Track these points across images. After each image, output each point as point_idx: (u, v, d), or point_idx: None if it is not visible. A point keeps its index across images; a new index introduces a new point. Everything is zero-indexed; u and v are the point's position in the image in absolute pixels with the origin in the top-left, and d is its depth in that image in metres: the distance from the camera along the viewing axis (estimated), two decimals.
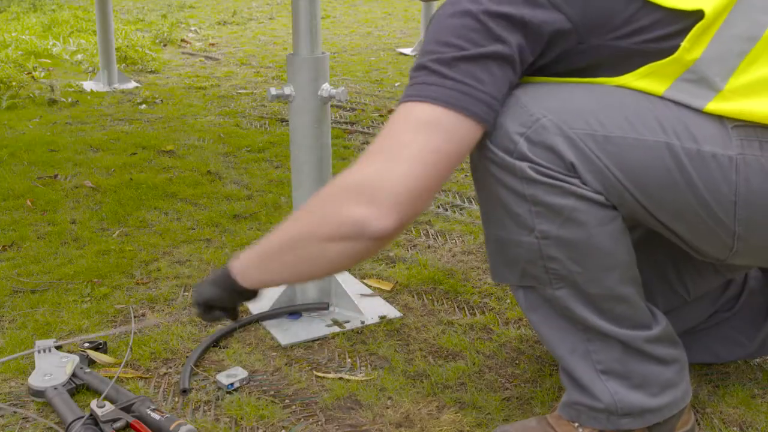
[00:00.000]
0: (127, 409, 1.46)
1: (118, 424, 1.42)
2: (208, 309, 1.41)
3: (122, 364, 1.65)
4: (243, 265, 1.32)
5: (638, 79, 1.18)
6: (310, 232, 1.18)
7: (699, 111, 1.17)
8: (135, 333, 1.78)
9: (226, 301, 1.39)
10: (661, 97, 1.18)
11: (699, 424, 1.47)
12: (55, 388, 1.51)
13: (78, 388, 1.56)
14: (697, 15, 1.14)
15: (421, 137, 1.12)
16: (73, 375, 1.57)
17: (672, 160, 1.15)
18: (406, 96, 1.16)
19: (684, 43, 1.15)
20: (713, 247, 1.23)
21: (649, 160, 1.15)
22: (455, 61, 1.13)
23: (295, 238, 1.21)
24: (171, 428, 1.39)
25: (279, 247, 1.24)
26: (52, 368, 1.58)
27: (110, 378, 1.57)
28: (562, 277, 1.23)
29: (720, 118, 1.17)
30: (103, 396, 1.48)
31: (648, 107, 1.17)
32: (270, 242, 1.26)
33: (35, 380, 1.54)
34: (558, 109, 1.17)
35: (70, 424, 1.41)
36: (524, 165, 1.17)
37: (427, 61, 1.15)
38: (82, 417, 1.42)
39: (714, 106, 1.17)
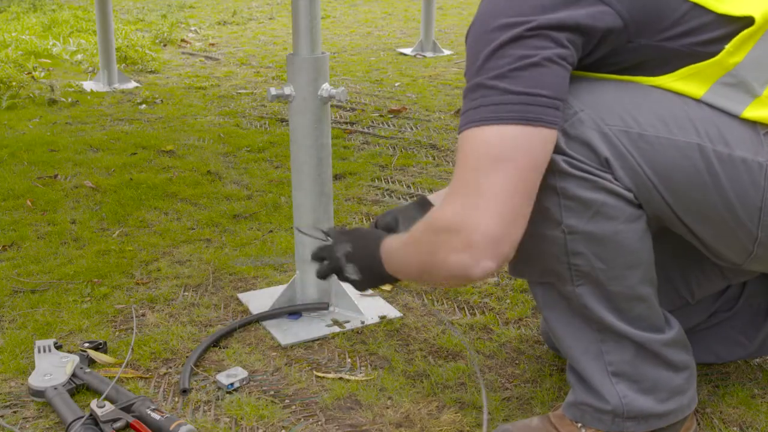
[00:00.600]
0: (127, 409, 1.46)
1: (118, 424, 1.42)
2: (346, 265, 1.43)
3: (123, 365, 1.65)
4: (386, 255, 1.34)
5: (678, 80, 1.18)
6: (430, 270, 1.21)
7: (734, 116, 1.18)
8: (135, 333, 1.78)
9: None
10: (699, 101, 1.18)
11: (699, 424, 1.47)
12: (55, 388, 1.51)
13: (78, 388, 1.56)
14: (746, 21, 1.14)
15: (501, 166, 1.10)
16: (73, 375, 1.57)
17: (702, 162, 1.16)
18: (472, 120, 1.12)
19: (728, 47, 1.15)
20: (733, 251, 1.24)
21: (680, 159, 1.16)
22: (513, 72, 1.10)
23: (419, 266, 1.25)
24: (171, 428, 1.39)
25: (414, 272, 1.30)
26: (52, 368, 1.58)
27: (110, 378, 1.57)
28: (585, 273, 1.22)
29: (754, 125, 1.18)
30: (103, 396, 1.48)
31: (683, 108, 1.17)
32: (407, 264, 1.30)
33: (35, 380, 1.54)
34: (595, 104, 1.17)
35: (70, 424, 1.41)
36: (559, 158, 1.17)
37: (485, 79, 1.12)
38: (82, 417, 1.42)
39: (751, 112, 1.17)
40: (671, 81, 1.19)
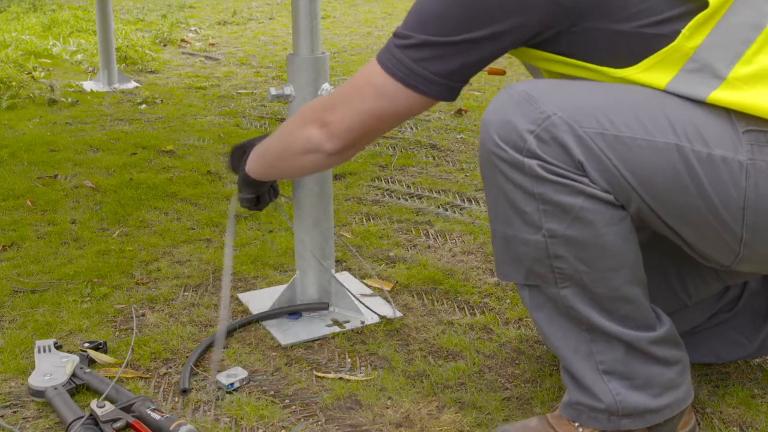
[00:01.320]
0: (127, 409, 1.46)
1: (118, 424, 1.42)
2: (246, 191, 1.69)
3: (123, 365, 1.65)
4: (250, 164, 1.63)
5: (641, 72, 1.18)
6: (286, 148, 1.48)
7: (708, 110, 1.16)
8: (136, 333, 1.78)
9: (251, 190, 1.69)
10: (665, 91, 1.17)
11: (699, 424, 1.47)
12: (55, 388, 1.51)
13: (78, 388, 1.56)
14: (700, 3, 1.14)
15: (372, 98, 1.31)
16: (73, 375, 1.57)
17: (682, 163, 1.14)
18: (380, 59, 1.29)
19: (684, 31, 1.14)
20: (719, 252, 1.23)
21: (659, 161, 1.14)
22: (426, 46, 1.24)
23: (278, 152, 1.53)
24: (171, 428, 1.39)
25: (269, 158, 1.57)
26: (52, 368, 1.58)
27: (110, 378, 1.57)
28: (568, 276, 1.23)
29: (731, 121, 1.16)
30: (103, 396, 1.48)
31: (658, 106, 1.16)
32: (264, 150, 1.59)
33: (35, 380, 1.54)
34: (568, 107, 1.17)
35: (70, 424, 1.41)
36: (533, 162, 1.17)
37: (411, 36, 1.26)
38: (82, 417, 1.42)
39: (720, 94, 1.15)
40: (636, 73, 1.18)
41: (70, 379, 1.56)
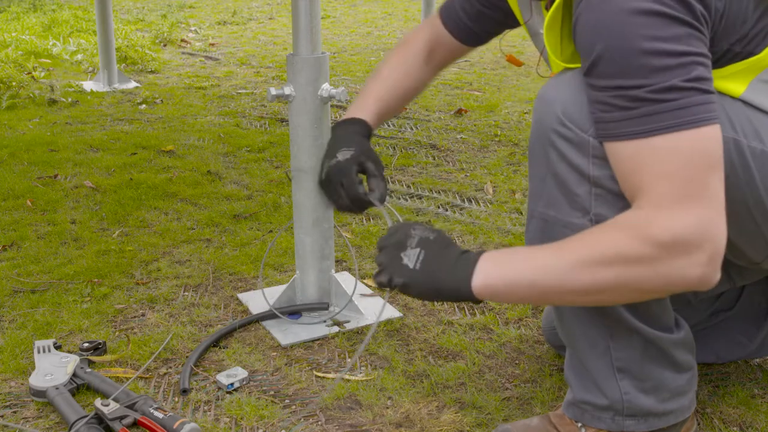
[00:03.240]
0: (129, 408, 1.46)
1: (126, 421, 1.42)
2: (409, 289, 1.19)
3: (134, 376, 1.65)
4: (487, 287, 1.14)
5: (719, 78, 1.16)
6: (629, 282, 1.08)
7: (765, 115, 1.17)
8: (134, 332, 1.78)
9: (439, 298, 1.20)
10: (739, 99, 1.17)
11: (699, 424, 1.47)
12: (57, 388, 1.52)
13: (79, 388, 1.56)
14: None
15: (716, 169, 1.06)
16: (74, 375, 1.57)
17: (737, 156, 1.15)
18: (686, 122, 1.04)
19: None
20: (753, 248, 1.24)
21: None
22: (694, 80, 1.05)
23: (605, 283, 1.09)
24: (174, 426, 1.39)
25: (569, 290, 1.10)
26: (52, 368, 1.58)
27: (113, 379, 1.57)
28: None
29: None
30: (113, 396, 1.48)
31: (720, 103, 1.15)
32: (554, 280, 1.10)
33: (36, 380, 1.54)
34: None
35: (73, 423, 1.41)
36: (598, 143, 1.13)
37: (678, 81, 1.04)
38: (86, 416, 1.43)
39: None
40: (715, 79, 1.15)
41: (71, 378, 1.56)
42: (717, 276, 1.07)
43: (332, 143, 1.46)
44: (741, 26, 1.13)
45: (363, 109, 1.51)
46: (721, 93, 1.17)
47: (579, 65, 1.19)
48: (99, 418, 1.44)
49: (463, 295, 1.14)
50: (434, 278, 1.16)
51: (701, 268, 1.05)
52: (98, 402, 1.46)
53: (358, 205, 1.40)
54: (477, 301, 1.15)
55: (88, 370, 1.60)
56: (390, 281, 1.18)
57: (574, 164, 1.16)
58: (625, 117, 1.07)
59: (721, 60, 1.15)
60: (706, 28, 1.08)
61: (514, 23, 1.52)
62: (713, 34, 1.11)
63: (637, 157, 1.07)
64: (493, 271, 1.13)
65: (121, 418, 1.43)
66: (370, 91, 1.55)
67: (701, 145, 1.05)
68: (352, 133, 1.46)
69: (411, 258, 1.18)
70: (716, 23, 1.10)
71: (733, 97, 1.18)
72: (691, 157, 1.05)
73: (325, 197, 1.44)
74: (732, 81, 1.17)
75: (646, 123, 1.05)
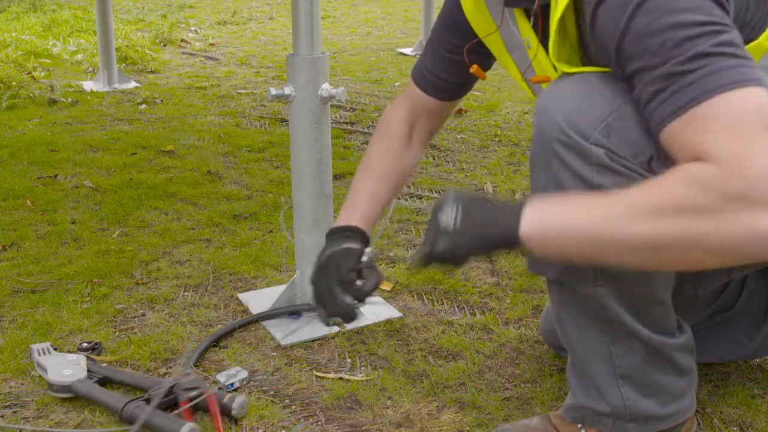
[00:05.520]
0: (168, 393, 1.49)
1: (193, 394, 1.46)
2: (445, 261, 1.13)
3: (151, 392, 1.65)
4: (537, 232, 1.07)
5: None
6: (693, 236, 0.99)
7: None
8: (135, 332, 1.78)
9: (483, 252, 1.13)
10: None
11: (699, 424, 1.47)
12: (82, 381, 1.53)
13: (100, 381, 1.57)
14: None
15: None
16: (88, 370, 1.58)
17: None
18: (728, 83, 0.99)
19: (767, 32, 1.13)
20: None
21: None
22: (731, 43, 1.02)
23: (660, 239, 1.00)
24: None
25: (621, 239, 1.02)
26: (65, 366, 1.58)
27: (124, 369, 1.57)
28: (609, 273, 1.18)
29: None
30: (197, 399, 1.48)
31: None
32: (607, 228, 1.03)
33: (56, 377, 1.54)
34: None
35: (125, 405, 1.45)
36: (600, 151, 1.12)
37: (713, 46, 1.00)
38: (134, 399, 1.46)
39: None
40: None
41: (88, 373, 1.57)
42: None
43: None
44: (744, 12, 1.13)
45: (354, 216, 1.48)
46: None
47: (579, 67, 1.19)
48: (147, 401, 1.47)
49: (512, 242, 1.08)
50: (479, 230, 1.10)
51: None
52: (177, 370, 1.51)
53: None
54: (527, 251, 1.09)
55: (103, 365, 1.61)
56: (432, 251, 1.12)
57: (577, 172, 1.14)
58: (663, 99, 1.03)
59: None
60: (729, 4, 1.07)
61: (487, 63, 1.50)
62: None
63: (688, 129, 1.02)
64: (544, 213, 1.08)
65: (192, 389, 1.47)
66: (358, 194, 1.52)
67: (747, 105, 0.99)
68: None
69: (449, 216, 1.12)
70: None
71: None
72: (742, 117, 0.98)
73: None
74: None
75: (682, 97, 1.01)
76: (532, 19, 1.28)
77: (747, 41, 1.14)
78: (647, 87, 1.05)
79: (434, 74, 1.54)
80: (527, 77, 1.39)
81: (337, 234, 1.43)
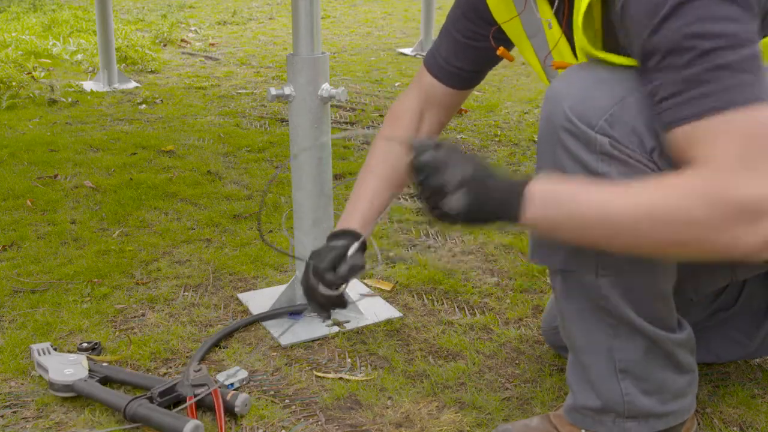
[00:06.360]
0: (170, 390, 1.50)
1: (200, 390, 1.48)
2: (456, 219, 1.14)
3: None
4: (540, 213, 1.10)
5: None
6: (689, 243, 1.04)
7: None
8: (134, 332, 1.78)
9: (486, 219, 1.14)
10: None
11: (699, 425, 1.47)
12: (85, 381, 1.54)
13: (101, 381, 1.57)
14: None
15: None
16: (90, 369, 1.58)
17: None
18: (743, 100, 1.02)
19: None
20: None
21: None
22: (755, 57, 1.04)
23: (666, 238, 1.05)
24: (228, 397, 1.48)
25: (613, 224, 1.06)
26: (66, 365, 1.58)
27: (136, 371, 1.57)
28: (612, 263, 1.19)
29: None
30: (204, 393, 1.49)
31: None
32: (603, 211, 1.07)
33: (58, 376, 1.54)
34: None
35: (128, 403, 1.45)
36: (605, 140, 1.13)
37: (737, 60, 1.02)
38: (137, 397, 1.46)
39: None
40: None
41: (90, 372, 1.57)
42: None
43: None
44: (765, 2, 1.12)
45: (353, 220, 1.54)
46: None
47: (602, 53, 1.18)
48: (150, 399, 1.47)
49: (515, 224, 1.11)
50: (483, 214, 1.13)
51: (758, 238, 1.00)
52: (191, 367, 1.52)
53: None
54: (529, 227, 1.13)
55: (104, 364, 1.62)
56: (441, 217, 1.14)
57: (581, 161, 1.15)
58: (679, 102, 1.05)
59: None
60: (758, 6, 1.07)
61: (507, 49, 1.49)
62: None
63: (696, 137, 1.04)
64: (545, 195, 1.10)
65: (199, 386, 1.48)
66: (359, 197, 1.59)
67: (758, 124, 1.02)
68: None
69: (454, 204, 1.12)
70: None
71: None
72: (753, 134, 1.01)
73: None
74: None
75: (698, 105, 1.03)
76: (555, 4, 1.28)
77: (763, 36, 1.14)
78: (666, 86, 1.06)
79: (448, 61, 1.54)
80: (547, 63, 1.40)
81: (333, 238, 1.51)
